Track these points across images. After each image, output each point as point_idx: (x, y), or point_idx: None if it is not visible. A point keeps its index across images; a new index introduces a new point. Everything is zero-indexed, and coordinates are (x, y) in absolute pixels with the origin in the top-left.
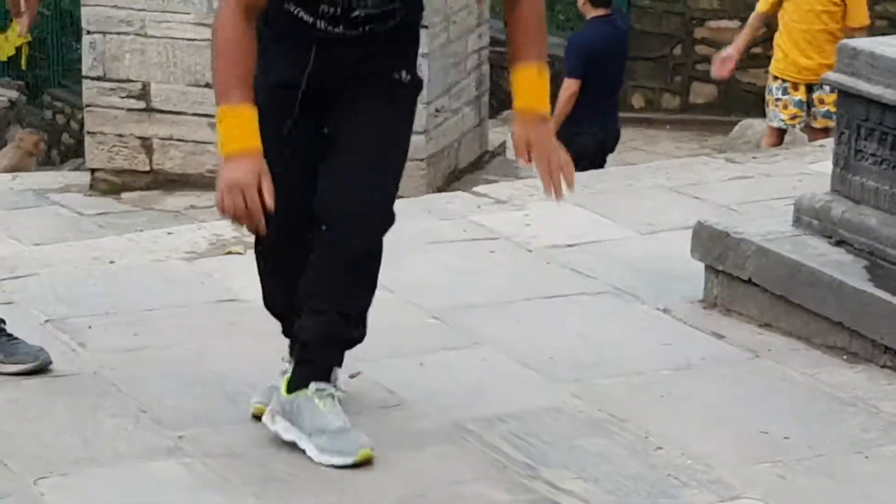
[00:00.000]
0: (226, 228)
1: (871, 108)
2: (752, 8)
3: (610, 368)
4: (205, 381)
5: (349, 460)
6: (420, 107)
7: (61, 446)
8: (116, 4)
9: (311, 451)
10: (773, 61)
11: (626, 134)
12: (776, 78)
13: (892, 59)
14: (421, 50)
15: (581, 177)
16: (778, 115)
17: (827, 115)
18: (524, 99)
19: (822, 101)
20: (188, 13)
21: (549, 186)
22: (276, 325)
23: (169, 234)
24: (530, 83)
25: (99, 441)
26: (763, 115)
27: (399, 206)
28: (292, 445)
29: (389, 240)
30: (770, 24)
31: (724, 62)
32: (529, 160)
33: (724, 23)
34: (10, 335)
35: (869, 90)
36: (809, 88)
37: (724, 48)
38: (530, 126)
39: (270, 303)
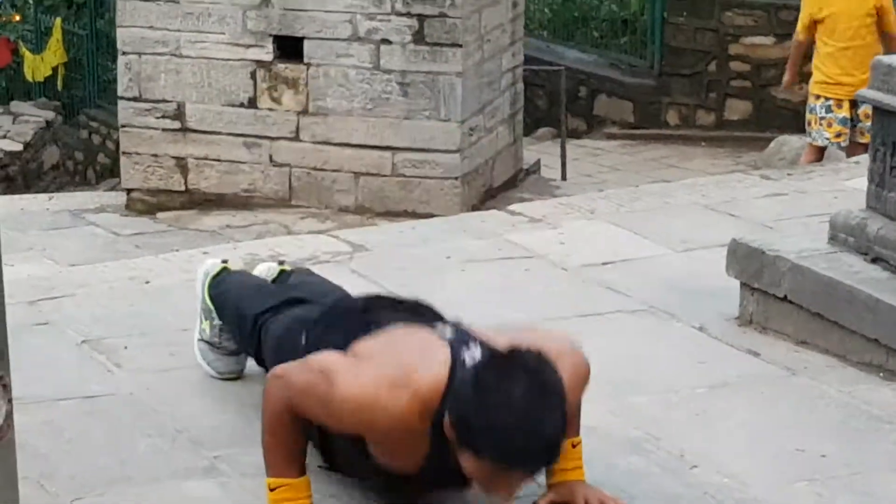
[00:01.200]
0: (261, 247)
1: None
2: (785, 24)
3: (646, 386)
4: (240, 401)
5: None
6: (454, 125)
7: (97, 467)
8: (152, 25)
9: None
10: (812, 81)
11: (662, 151)
12: (818, 97)
13: None
14: (455, 69)
15: (616, 194)
16: (823, 133)
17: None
18: (560, 475)
19: (867, 116)
20: (223, 33)
21: None
22: None
23: (205, 253)
24: (565, 455)
25: (135, 461)
26: (799, 130)
27: (434, 224)
28: (326, 467)
29: (425, 258)
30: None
31: (786, 83)
32: None
33: (759, 39)
34: None
35: None
36: (853, 104)
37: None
38: (572, 488)
39: None
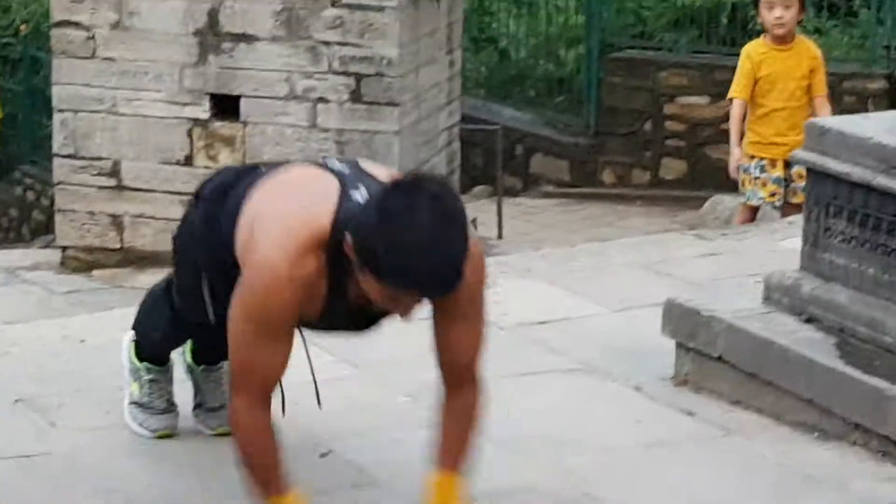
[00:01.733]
0: None
1: (840, 186)
2: (720, 84)
3: (582, 446)
4: (175, 460)
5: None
6: None
7: None
8: (88, 83)
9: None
10: (746, 142)
11: (597, 209)
12: (753, 157)
13: (859, 137)
14: (392, 128)
15: (552, 253)
16: (757, 193)
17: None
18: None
19: (801, 176)
20: (160, 91)
21: None
22: None
23: None
24: (444, 497)
25: None
26: (732, 189)
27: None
28: None
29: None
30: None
31: (735, 163)
32: None
33: (694, 99)
34: None
35: (838, 168)
36: (786, 164)
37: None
38: None
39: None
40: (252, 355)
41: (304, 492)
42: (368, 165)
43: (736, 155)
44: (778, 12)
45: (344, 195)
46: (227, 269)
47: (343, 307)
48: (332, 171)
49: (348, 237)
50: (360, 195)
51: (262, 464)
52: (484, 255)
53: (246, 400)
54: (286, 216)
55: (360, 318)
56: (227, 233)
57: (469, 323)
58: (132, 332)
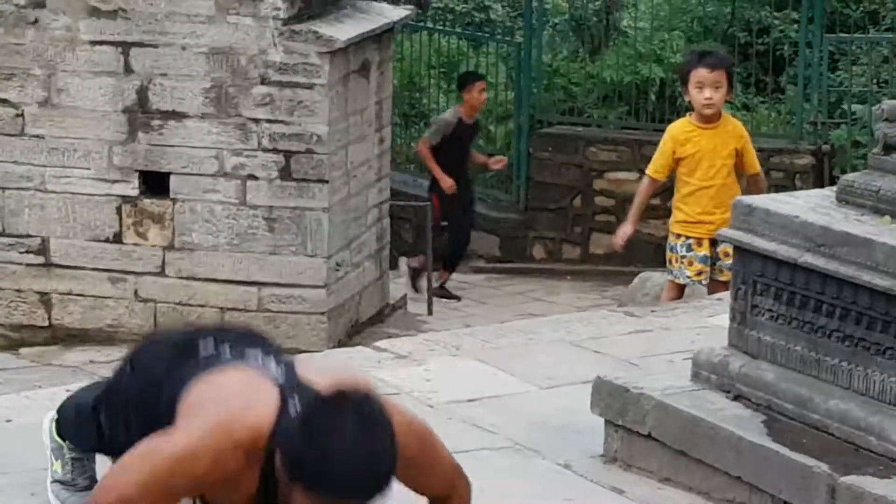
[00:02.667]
0: None
1: (767, 263)
2: (648, 159)
3: None
4: None
5: None
6: (320, 261)
7: None
8: (16, 160)
9: None
10: (673, 220)
11: (527, 284)
12: (679, 235)
13: (785, 215)
14: (322, 204)
15: (481, 331)
16: (683, 272)
17: (732, 268)
18: None
19: (727, 254)
20: (88, 168)
21: None
22: None
23: (67, 391)
24: None
25: None
26: (662, 265)
27: (301, 358)
28: None
29: None
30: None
31: (622, 237)
32: None
33: (623, 174)
34: None
35: (764, 246)
36: (712, 242)
37: (622, 224)
38: None
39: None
40: (125, 495)
41: None
42: (304, 369)
43: (626, 231)
44: (707, 93)
45: (283, 408)
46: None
47: None
48: (272, 379)
49: (277, 454)
50: (293, 408)
51: None
52: (424, 426)
53: None
54: (229, 409)
55: None
56: (162, 412)
57: (433, 470)
58: (53, 413)
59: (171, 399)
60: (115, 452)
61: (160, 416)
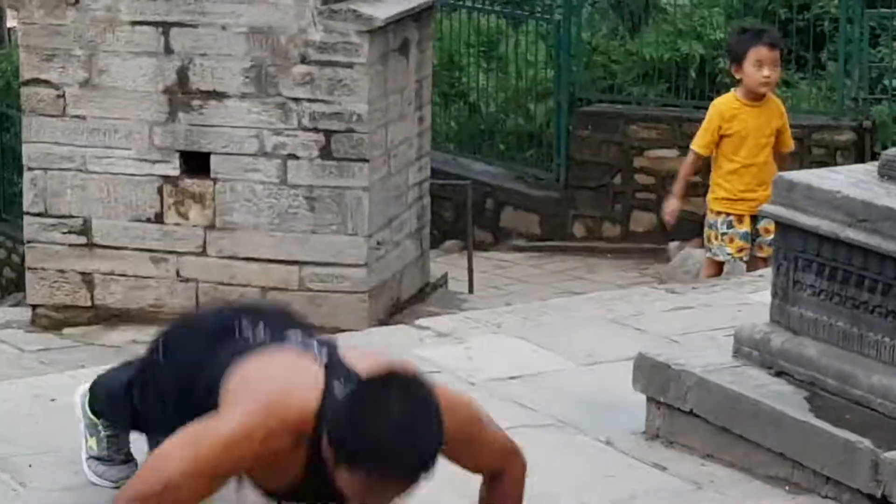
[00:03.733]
0: None
1: (809, 239)
2: (688, 137)
3: (555, 501)
4: None
5: None
6: (361, 240)
7: None
8: (58, 141)
9: None
10: (712, 198)
11: (568, 263)
12: (720, 213)
13: (827, 191)
14: (362, 183)
15: (522, 308)
16: (724, 249)
17: (773, 244)
18: None
19: (767, 231)
20: (129, 149)
21: None
22: None
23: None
24: None
25: None
26: (699, 241)
27: (341, 340)
28: None
29: None
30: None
31: (671, 213)
32: None
33: (663, 152)
34: None
35: (805, 222)
36: (753, 219)
37: (668, 198)
38: None
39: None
40: (172, 481)
41: None
42: (344, 350)
43: (674, 206)
44: (766, 71)
45: (328, 389)
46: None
47: (325, 494)
48: (315, 357)
49: (325, 437)
50: (339, 389)
51: None
52: (471, 404)
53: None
54: (277, 392)
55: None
56: (202, 396)
57: (481, 449)
58: (85, 389)
59: (211, 383)
60: (149, 431)
61: (199, 400)
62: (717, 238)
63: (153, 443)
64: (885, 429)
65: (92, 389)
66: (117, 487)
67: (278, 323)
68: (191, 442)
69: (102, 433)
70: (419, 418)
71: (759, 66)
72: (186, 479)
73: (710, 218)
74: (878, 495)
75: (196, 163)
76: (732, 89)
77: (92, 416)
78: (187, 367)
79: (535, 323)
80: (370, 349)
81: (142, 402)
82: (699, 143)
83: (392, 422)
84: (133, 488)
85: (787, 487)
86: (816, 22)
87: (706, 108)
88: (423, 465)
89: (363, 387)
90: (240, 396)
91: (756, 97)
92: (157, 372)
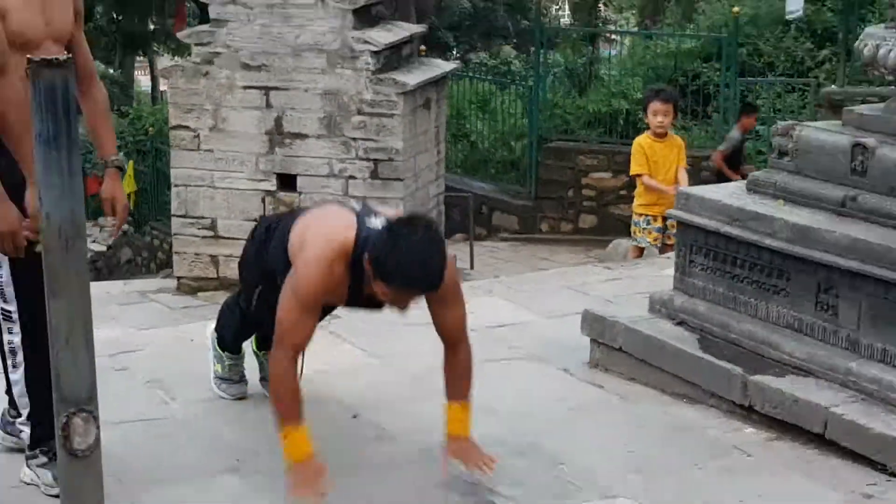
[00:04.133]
0: None
1: (700, 233)
2: (619, 164)
3: (530, 409)
4: (249, 421)
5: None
6: None
7: (157, 467)
8: (195, 167)
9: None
10: (636, 204)
11: (537, 249)
12: (642, 215)
13: (712, 200)
14: (399, 195)
15: (507, 280)
16: (644, 239)
17: (676, 236)
18: (452, 429)
19: (672, 226)
20: (242, 172)
21: (480, 472)
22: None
23: None
24: (456, 417)
25: (183, 463)
26: (628, 235)
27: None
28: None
29: (380, 323)
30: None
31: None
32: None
33: (601, 174)
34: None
35: (698, 221)
36: (664, 218)
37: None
38: (458, 445)
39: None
40: (293, 323)
41: (335, 441)
42: (375, 205)
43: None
44: (660, 118)
45: (361, 225)
46: (273, 279)
47: (359, 299)
48: (350, 208)
49: (366, 255)
50: (374, 223)
51: (286, 398)
52: (454, 264)
53: (283, 353)
54: (324, 235)
55: (370, 305)
56: (274, 254)
57: (453, 307)
58: (213, 328)
59: (282, 250)
60: (261, 323)
61: (280, 265)
62: (639, 231)
63: (269, 327)
64: (751, 360)
65: (217, 328)
66: (235, 400)
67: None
68: (290, 296)
69: (226, 362)
70: (433, 249)
71: (655, 114)
72: (301, 317)
73: (634, 218)
74: (746, 405)
75: (287, 181)
76: (646, 131)
77: (219, 350)
78: (263, 245)
79: (515, 289)
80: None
81: (247, 304)
82: (638, 169)
83: (414, 251)
84: (275, 340)
85: (685, 400)
86: (704, 86)
87: (630, 145)
88: (434, 282)
89: (397, 223)
90: (301, 250)
91: (659, 136)
92: (251, 272)
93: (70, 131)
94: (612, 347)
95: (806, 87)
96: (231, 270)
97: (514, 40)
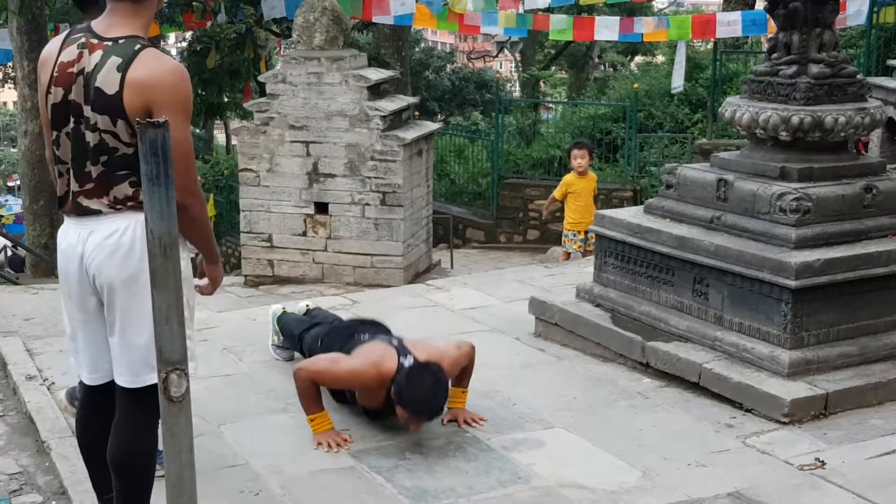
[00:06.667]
0: (308, 301)
1: (611, 242)
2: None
3: (493, 366)
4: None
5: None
6: (400, 244)
7: (230, 407)
8: (256, 198)
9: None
10: (566, 223)
11: (497, 255)
12: (569, 230)
13: (620, 218)
14: (400, 217)
15: (477, 275)
16: (572, 247)
17: (594, 244)
18: (452, 404)
19: (592, 238)
20: (290, 202)
21: (468, 426)
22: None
23: (283, 306)
24: (457, 398)
25: (248, 405)
26: (559, 243)
27: (391, 290)
28: (356, 415)
29: (387, 306)
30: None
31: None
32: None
33: (542, 201)
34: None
35: (609, 234)
36: (585, 232)
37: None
38: (455, 412)
39: None
40: (322, 371)
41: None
42: (408, 342)
43: (546, 213)
44: (578, 160)
45: (400, 362)
46: (328, 350)
47: (386, 411)
48: (394, 346)
49: (393, 388)
50: (405, 363)
51: (307, 399)
52: (452, 354)
53: (307, 375)
54: (376, 359)
55: (392, 416)
56: (335, 348)
57: (457, 367)
58: (274, 311)
59: (339, 349)
60: (303, 351)
61: (334, 349)
62: (568, 241)
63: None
64: (647, 331)
65: (280, 320)
66: (285, 361)
67: (377, 330)
68: (333, 358)
69: (280, 336)
70: (438, 388)
71: (575, 158)
72: (323, 374)
73: (565, 232)
74: (644, 362)
75: (321, 207)
76: (572, 171)
77: (276, 327)
78: (333, 341)
79: (482, 282)
80: (418, 340)
81: (308, 340)
82: (556, 195)
83: (425, 387)
84: (304, 364)
85: (601, 360)
86: (613, 139)
87: (560, 180)
88: (438, 410)
89: (415, 366)
90: (357, 356)
91: (580, 174)
92: (321, 334)
93: (167, 172)
94: (550, 322)
95: (685, 139)
96: (282, 270)
97: (481, 108)
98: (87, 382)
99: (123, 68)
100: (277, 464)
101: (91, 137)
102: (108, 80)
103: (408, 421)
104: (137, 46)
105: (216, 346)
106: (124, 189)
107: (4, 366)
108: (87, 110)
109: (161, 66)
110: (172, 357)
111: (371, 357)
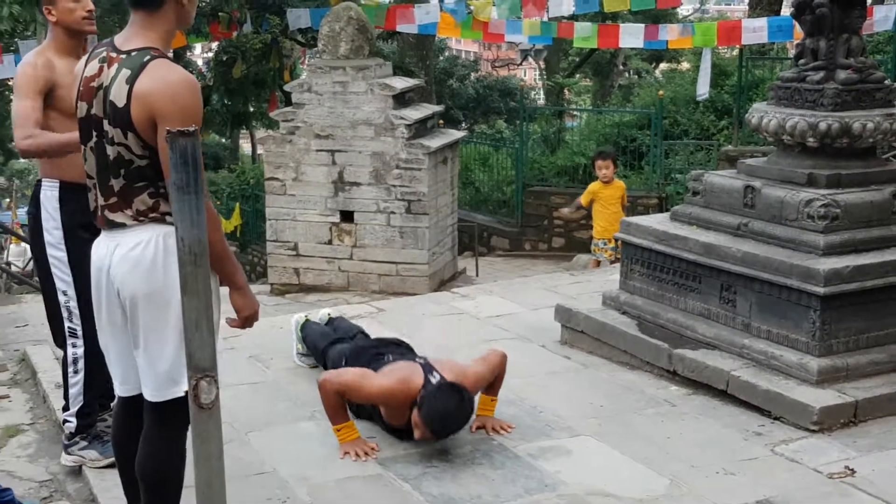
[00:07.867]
0: (333, 310)
1: (637, 249)
2: (578, 205)
3: (518, 373)
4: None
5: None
6: (425, 252)
7: (258, 416)
8: (282, 206)
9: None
10: (596, 229)
11: (522, 262)
12: (599, 238)
13: (646, 226)
14: (425, 225)
15: (502, 283)
16: (602, 255)
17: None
18: (481, 411)
19: (620, 245)
20: (315, 210)
21: (496, 433)
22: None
23: (306, 314)
24: (486, 405)
25: (277, 414)
26: (587, 252)
27: (416, 298)
28: (356, 416)
29: (413, 314)
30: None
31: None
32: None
33: (565, 211)
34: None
35: (636, 241)
36: (615, 239)
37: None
38: (483, 419)
39: None
40: (349, 384)
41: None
42: (435, 361)
43: (567, 212)
44: (603, 170)
45: (426, 381)
46: (353, 364)
47: (410, 430)
48: (421, 364)
49: (419, 396)
50: (431, 381)
51: (332, 410)
52: (477, 374)
53: (333, 387)
54: (404, 378)
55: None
56: (361, 364)
57: (484, 384)
58: (297, 319)
59: (366, 364)
60: (325, 365)
61: (360, 364)
62: (598, 250)
63: (326, 360)
64: (674, 338)
65: (304, 328)
66: (310, 368)
67: (399, 348)
68: (361, 373)
69: (304, 345)
70: (458, 414)
71: (599, 168)
72: (351, 387)
73: (595, 240)
74: (671, 370)
75: (346, 216)
76: (598, 179)
77: (300, 335)
78: (361, 360)
79: (508, 290)
80: (443, 359)
81: (333, 356)
82: (583, 201)
83: (450, 407)
84: (330, 376)
85: (628, 367)
86: (638, 147)
87: (585, 188)
88: (445, 432)
89: (442, 385)
90: (386, 375)
91: (606, 182)
92: (347, 353)
93: (197, 180)
94: (576, 330)
95: (710, 146)
96: (308, 279)
97: (505, 116)
98: (119, 393)
99: (131, 80)
100: (305, 471)
101: (111, 151)
102: (118, 93)
103: (416, 426)
104: (147, 58)
105: (243, 354)
106: (144, 201)
107: (34, 374)
108: (105, 124)
109: (165, 77)
110: (202, 364)
111: (399, 374)
